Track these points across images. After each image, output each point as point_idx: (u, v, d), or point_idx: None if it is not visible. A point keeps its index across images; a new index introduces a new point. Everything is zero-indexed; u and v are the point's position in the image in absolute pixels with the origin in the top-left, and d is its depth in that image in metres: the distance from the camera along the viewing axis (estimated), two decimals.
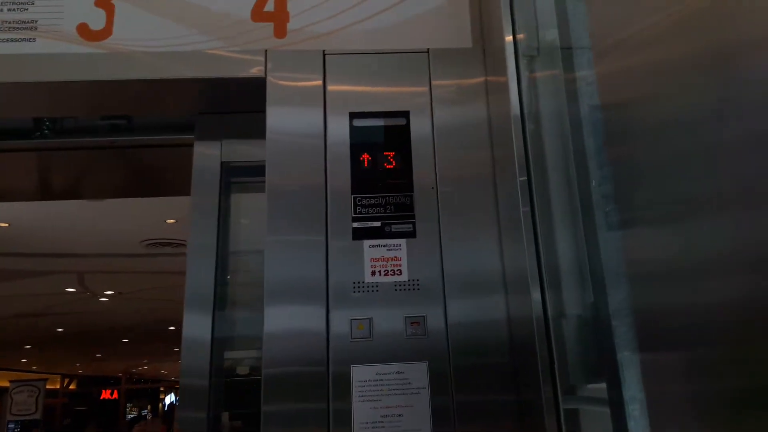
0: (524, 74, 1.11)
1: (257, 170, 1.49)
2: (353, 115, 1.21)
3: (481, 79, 1.25)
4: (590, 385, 0.97)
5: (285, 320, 1.09)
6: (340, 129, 1.21)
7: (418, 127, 1.21)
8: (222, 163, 1.44)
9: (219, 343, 1.37)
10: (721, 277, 0.52)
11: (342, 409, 1.05)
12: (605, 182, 1.00)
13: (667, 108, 0.58)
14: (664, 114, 0.58)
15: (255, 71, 1.26)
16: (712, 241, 0.53)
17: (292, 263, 1.13)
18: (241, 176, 1.49)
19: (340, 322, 1.09)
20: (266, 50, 1.28)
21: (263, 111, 1.24)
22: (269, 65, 1.26)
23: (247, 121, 1.44)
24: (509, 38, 1.09)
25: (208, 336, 1.33)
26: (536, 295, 0.97)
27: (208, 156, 1.44)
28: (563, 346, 0.97)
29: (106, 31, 1.27)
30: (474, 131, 1.21)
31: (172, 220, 4.38)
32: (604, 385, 0.94)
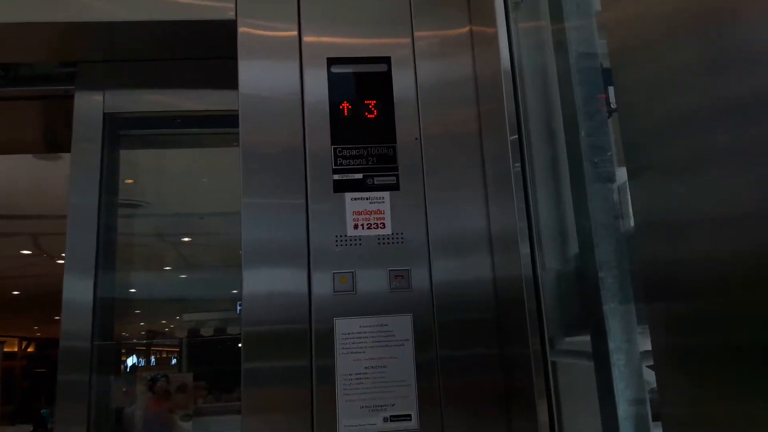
0: (514, 26, 1.07)
1: (153, 122, 1.42)
2: (331, 61, 1.16)
3: (466, 29, 1.20)
4: (576, 338, 0.98)
5: (265, 281, 1.06)
6: (317, 80, 1.15)
7: (401, 76, 1.16)
8: (105, 114, 1.35)
9: (102, 306, 1.31)
10: (719, 227, 0.51)
11: (325, 366, 1.04)
12: (594, 133, 0.99)
13: (672, 58, 0.56)
14: (669, 63, 0.56)
15: (226, 13, 1.18)
16: (708, 192, 0.52)
17: (270, 225, 1.08)
18: (131, 129, 1.41)
19: (323, 278, 1.07)
20: None
21: (223, 58, 1.17)
22: (240, 7, 1.18)
23: (141, 69, 1.35)
24: None
25: (90, 298, 1.27)
26: (525, 251, 0.96)
27: (88, 106, 1.34)
28: (551, 300, 0.97)
29: None
30: (459, 86, 1.17)
31: (130, 180, 4.23)
32: (588, 338, 0.95)
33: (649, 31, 0.56)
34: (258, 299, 1.05)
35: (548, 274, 1.01)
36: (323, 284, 1.07)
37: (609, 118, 0.98)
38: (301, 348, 1.04)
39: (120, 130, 1.42)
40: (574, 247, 1.02)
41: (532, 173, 1.03)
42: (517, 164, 0.99)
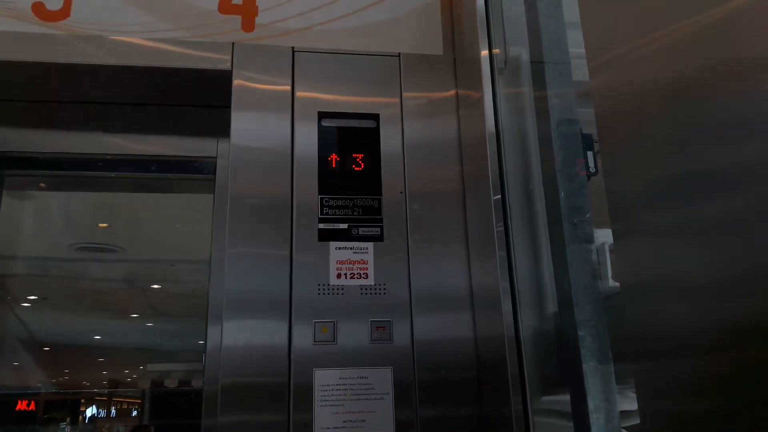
0: (498, 91, 1.11)
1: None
2: (322, 115, 1.19)
3: (452, 92, 1.25)
4: (556, 397, 0.98)
5: (245, 334, 1.05)
6: (308, 132, 1.18)
7: (388, 132, 1.20)
8: None
9: None
10: (697, 288, 0.53)
11: (303, 420, 1.01)
12: (573, 194, 1.03)
13: (656, 125, 0.59)
14: (654, 130, 0.60)
15: (222, 65, 1.21)
16: (689, 253, 0.54)
17: (254, 276, 1.08)
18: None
19: (303, 328, 1.06)
20: (233, 43, 1.24)
21: (224, 107, 1.20)
22: (236, 59, 1.22)
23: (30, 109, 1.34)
24: (485, 52, 1.10)
25: None
26: (508, 310, 0.97)
27: None
28: (531, 359, 0.98)
29: (64, 12, 1.19)
30: (444, 146, 1.21)
31: (104, 224, 4.16)
32: (568, 398, 0.96)
33: (634, 97, 0.61)
34: (237, 350, 1.04)
35: (528, 332, 1.02)
36: (304, 334, 1.06)
37: (588, 180, 1.02)
38: (278, 400, 1.02)
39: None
40: (553, 306, 1.04)
41: (520, 234, 1.06)
42: (500, 224, 1.01)
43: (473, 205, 1.14)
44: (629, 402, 0.94)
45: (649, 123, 0.59)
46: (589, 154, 1.02)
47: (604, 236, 0.99)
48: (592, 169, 1.02)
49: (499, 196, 1.03)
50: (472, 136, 1.15)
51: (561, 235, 1.01)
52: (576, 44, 1.06)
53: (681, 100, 0.55)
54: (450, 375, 1.07)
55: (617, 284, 0.95)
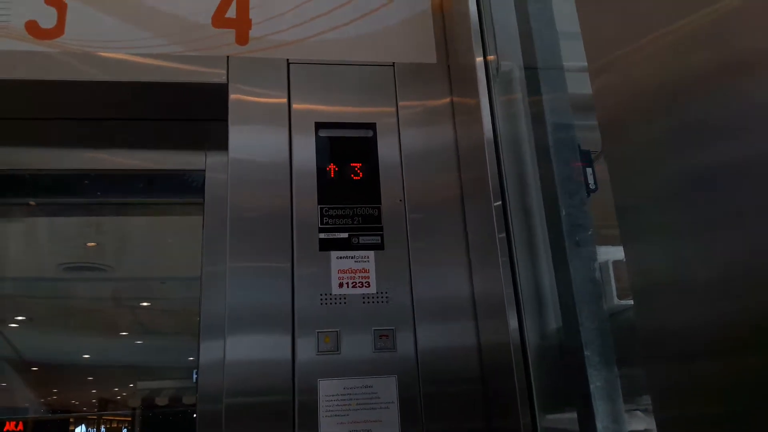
0: (495, 97, 1.12)
1: None
2: (319, 125, 1.20)
3: (447, 99, 1.26)
4: (564, 413, 0.98)
5: (247, 346, 1.04)
6: (305, 143, 1.18)
7: (386, 141, 1.21)
8: None
9: None
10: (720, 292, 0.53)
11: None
12: (575, 209, 1.03)
13: (660, 126, 0.60)
14: (655, 132, 0.61)
15: (217, 78, 1.22)
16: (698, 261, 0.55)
17: (256, 290, 1.08)
18: None
19: (307, 339, 1.06)
20: (228, 56, 1.24)
21: (222, 120, 1.20)
22: (231, 72, 1.22)
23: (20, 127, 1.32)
24: (480, 59, 1.11)
25: None
26: (513, 318, 0.97)
27: None
28: (539, 372, 0.98)
29: (58, 30, 1.19)
30: (441, 153, 1.22)
31: (93, 243, 4.11)
32: (575, 414, 0.96)
33: (638, 100, 0.62)
34: (241, 365, 1.03)
35: (533, 340, 1.01)
36: (307, 345, 1.05)
37: (588, 197, 1.02)
38: (283, 413, 1.01)
39: None
40: (555, 322, 1.03)
41: (515, 239, 1.06)
42: (501, 232, 1.02)
43: (473, 212, 1.14)
44: (637, 419, 0.94)
45: (652, 121, 0.60)
46: (588, 171, 1.02)
47: (606, 253, 0.99)
48: (592, 186, 1.02)
49: (500, 202, 1.03)
50: (470, 142, 1.16)
51: (564, 254, 1.01)
52: (572, 55, 1.07)
53: (684, 97, 0.56)
54: (456, 387, 1.07)
55: (621, 302, 0.96)
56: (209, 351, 1.18)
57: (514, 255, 1.01)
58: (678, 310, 0.57)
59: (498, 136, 1.07)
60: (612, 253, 0.99)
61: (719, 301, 0.52)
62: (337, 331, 1.07)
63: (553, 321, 1.03)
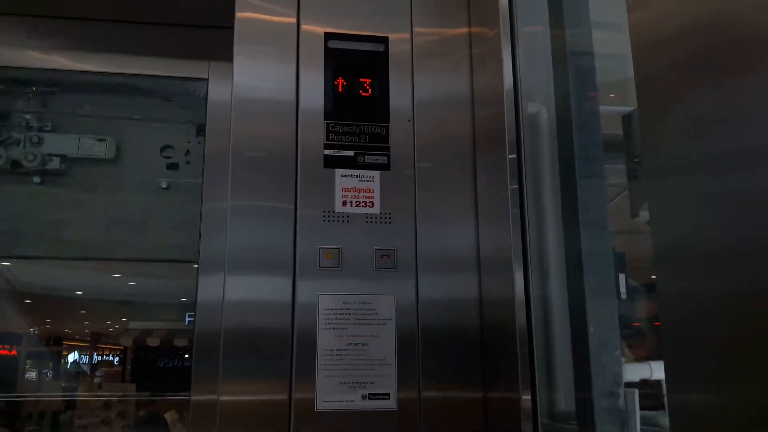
0: (518, 28, 1.05)
1: None
2: (329, 36, 1.15)
3: (465, 29, 1.20)
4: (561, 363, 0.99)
5: (250, 243, 1.04)
6: (314, 55, 1.13)
7: (398, 57, 1.16)
8: None
9: None
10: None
11: (307, 338, 1.02)
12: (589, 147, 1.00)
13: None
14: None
15: None
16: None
17: (257, 230, 1.06)
18: None
19: (308, 255, 1.05)
20: None
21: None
22: None
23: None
24: None
25: None
26: (518, 270, 0.97)
27: None
28: (540, 325, 0.97)
29: None
30: (454, 87, 1.16)
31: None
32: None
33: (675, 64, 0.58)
34: (239, 305, 1.03)
35: (540, 301, 1.00)
36: (309, 259, 1.05)
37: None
38: (282, 335, 1.02)
39: None
40: (564, 277, 1.02)
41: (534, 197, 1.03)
42: (514, 185, 1.00)
43: (483, 161, 1.11)
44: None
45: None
46: (621, 276, 0.97)
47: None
48: (623, 296, 0.97)
49: (515, 155, 0.99)
50: (486, 85, 1.10)
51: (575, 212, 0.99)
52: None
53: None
54: (454, 309, 1.07)
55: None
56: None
57: (525, 208, 0.98)
58: (697, 275, 0.55)
59: (518, 77, 1.02)
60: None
61: (737, 271, 0.51)
62: (339, 248, 1.06)
63: (559, 276, 1.02)
